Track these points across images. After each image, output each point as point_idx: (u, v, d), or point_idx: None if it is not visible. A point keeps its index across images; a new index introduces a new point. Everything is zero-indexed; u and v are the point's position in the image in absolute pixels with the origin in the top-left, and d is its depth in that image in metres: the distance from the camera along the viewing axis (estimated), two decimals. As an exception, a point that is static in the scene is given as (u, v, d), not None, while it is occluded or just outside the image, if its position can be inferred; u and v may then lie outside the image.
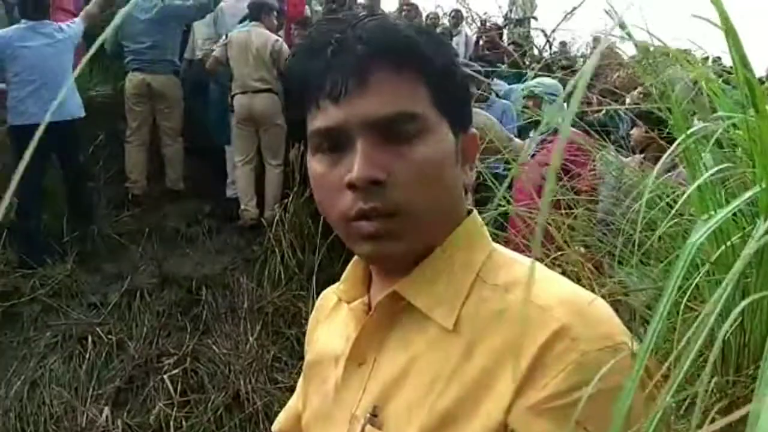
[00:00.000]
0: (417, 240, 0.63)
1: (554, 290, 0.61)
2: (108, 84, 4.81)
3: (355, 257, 0.73)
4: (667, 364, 0.55)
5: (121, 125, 4.69)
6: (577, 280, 1.16)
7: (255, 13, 4.53)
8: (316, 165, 0.65)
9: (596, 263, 1.19)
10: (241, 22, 4.69)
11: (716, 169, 0.68)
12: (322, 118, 0.62)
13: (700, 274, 0.70)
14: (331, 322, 0.78)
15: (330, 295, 0.81)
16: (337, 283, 0.76)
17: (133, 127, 4.62)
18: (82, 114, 4.04)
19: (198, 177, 4.98)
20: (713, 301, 0.47)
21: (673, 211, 0.69)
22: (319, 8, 5.87)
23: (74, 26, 4.13)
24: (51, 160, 4.11)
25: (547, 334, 0.56)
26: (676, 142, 0.74)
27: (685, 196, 0.67)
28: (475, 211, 0.70)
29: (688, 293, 0.74)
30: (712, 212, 0.56)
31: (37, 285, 3.82)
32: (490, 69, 4.65)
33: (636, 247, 0.83)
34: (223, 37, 4.51)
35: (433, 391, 0.60)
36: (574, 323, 0.57)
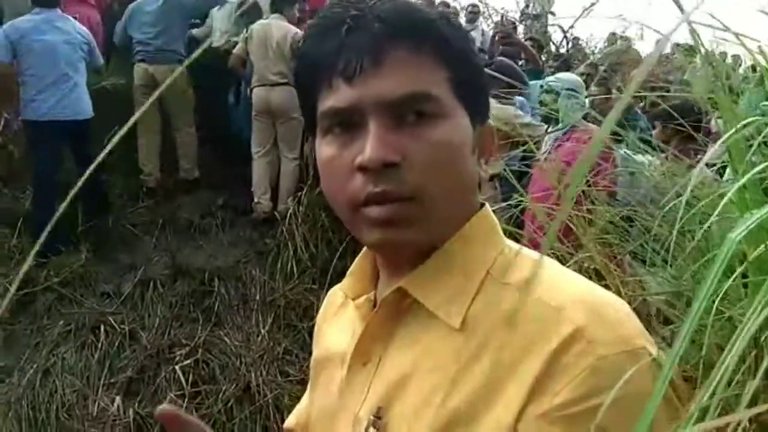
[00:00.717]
0: (430, 228, 0.60)
1: (569, 289, 0.57)
2: (122, 75, 4.82)
3: (362, 252, 0.70)
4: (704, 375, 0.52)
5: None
6: (597, 278, 1.13)
7: (278, 5, 4.51)
8: (325, 148, 0.61)
9: (617, 261, 1.15)
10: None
11: (763, 165, 0.64)
12: (334, 97, 0.59)
13: (735, 276, 0.66)
14: (339, 320, 0.74)
15: (338, 291, 0.77)
16: (343, 281, 0.73)
17: (144, 118, 4.61)
18: (91, 114, 4.05)
19: (212, 168, 4.98)
20: (757, 304, 0.44)
21: (718, 209, 0.65)
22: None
23: (96, 51, 4.16)
24: (65, 152, 4.12)
25: (561, 336, 0.52)
26: (726, 136, 0.70)
27: (733, 190, 0.64)
28: (487, 205, 0.66)
29: (719, 295, 0.70)
30: (754, 211, 0.53)
31: (51, 274, 3.84)
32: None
33: (664, 247, 0.80)
34: (245, 31, 4.50)
35: (439, 393, 0.57)
36: (589, 325, 0.53)
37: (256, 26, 4.42)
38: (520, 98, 4.29)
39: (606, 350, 0.52)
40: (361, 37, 0.58)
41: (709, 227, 0.77)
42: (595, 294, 0.57)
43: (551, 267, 0.62)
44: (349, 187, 0.59)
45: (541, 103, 3.09)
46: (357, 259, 0.71)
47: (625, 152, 1.52)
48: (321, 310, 0.81)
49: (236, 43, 4.96)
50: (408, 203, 0.57)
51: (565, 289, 0.57)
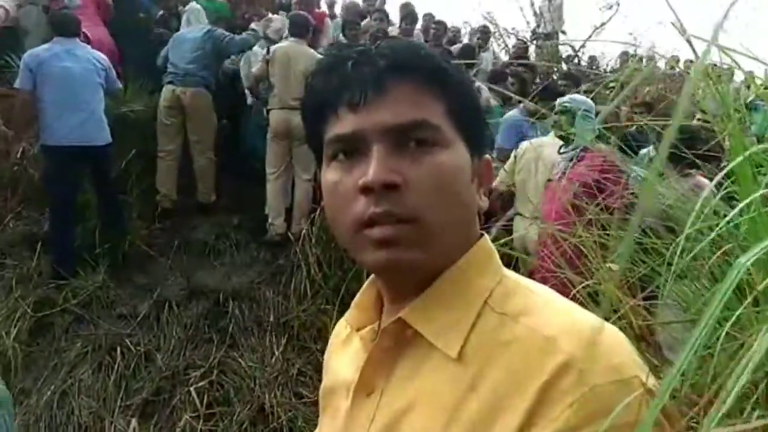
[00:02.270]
0: (430, 251, 0.61)
1: (563, 319, 0.58)
2: (141, 101, 4.92)
3: (367, 283, 0.72)
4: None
5: (153, 141, 4.78)
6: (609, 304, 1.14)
7: (299, 30, 4.58)
8: (330, 174, 0.64)
9: (629, 285, 1.16)
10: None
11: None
12: (340, 125, 0.62)
13: (745, 304, 0.67)
14: (345, 351, 0.75)
15: (344, 322, 0.78)
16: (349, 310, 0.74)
17: (164, 141, 4.70)
18: (109, 140, 4.12)
19: (226, 190, 5.04)
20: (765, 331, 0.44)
21: (721, 222, 0.66)
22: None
23: (109, 68, 4.22)
24: (83, 176, 4.20)
25: (552, 366, 0.53)
26: (733, 163, 0.71)
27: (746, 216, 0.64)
28: (486, 235, 0.68)
29: (729, 323, 0.71)
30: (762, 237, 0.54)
31: (69, 296, 3.89)
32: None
33: (677, 273, 0.81)
34: (264, 52, 4.56)
35: (438, 424, 0.58)
36: (581, 355, 0.54)
37: (279, 49, 4.48)
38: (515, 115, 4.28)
39: (597, 380, 0.52)
40: (366, 70, 0.62)
41: (722, 254, 0.77)
42: (590, 323, 0.58)
43: (548, 297, 0.63)
44: (353, 209, 0.61)
45: (554, 124, 3.10)
46: (362, 290, 0.73)
47: (637, 174, 1.53)
48: (330, 341, 0.82)
49: (235, 69, 5.08)
50: (408, 225, 0.59)
51: (559, 318, 0.58)
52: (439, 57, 0.65)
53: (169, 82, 4.67)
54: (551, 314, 0.59)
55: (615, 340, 0.57)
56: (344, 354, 0.75)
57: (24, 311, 3.70)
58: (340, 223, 0.63)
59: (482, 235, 0.68)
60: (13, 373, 3.46)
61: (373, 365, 0.66)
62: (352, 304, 0.73)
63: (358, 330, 0.70)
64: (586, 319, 0.59)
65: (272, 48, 4.52)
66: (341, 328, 0.80)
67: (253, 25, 5.26)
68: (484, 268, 0.65)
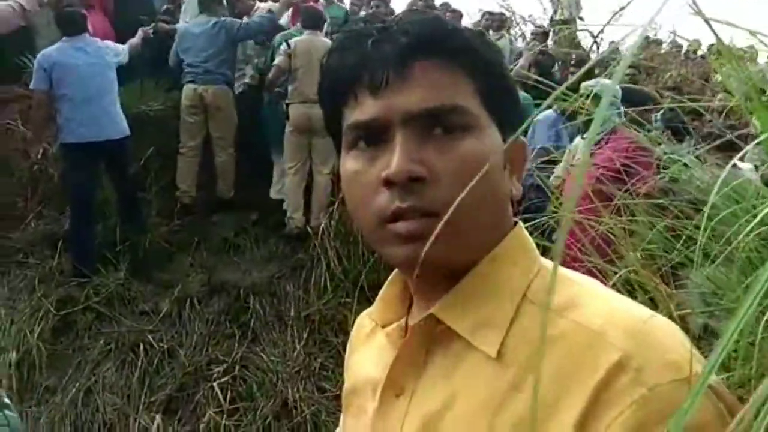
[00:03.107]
0: (460, 246, 0.56)
1: (611, 311, 0.53)
2: (158, 99, 4.93)
3: (392, 276, 0.67)
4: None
5: (171, 138, 4.79)
6: (642, 292, 1.09)
7: (313, 22, 4.55)
8: (350, 162, 0.59)
9: (662, 274, 1.10)
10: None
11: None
12: (360, 111, 0.58)
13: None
14: (368, 348, 0.70)
15: (366, 318, 0.73)
16: (372, 306, 0.70)
17: (187, 137, 4.72)
18: (127, 133, 4.13)
19: (245, 186, 5.04)
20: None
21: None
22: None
23: (119, 49, 4.25)
24: (102, 173, 4.22)
25: (606, 365, 0.49)
26: (756, 141, 0.66)
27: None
28: (520, 223, 0.63)
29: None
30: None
31: (90, 294, 3.91)
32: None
33: (711, 258, 0.76)
34: (284, 45, 4.54)
35: (479, 427, 0.53)
36: (635, 350, 0.49)
37: (300, 42, 4.44)
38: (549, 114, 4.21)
39: (656, 379, 0.48)
40: (386, 49, 0.57)
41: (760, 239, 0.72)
42: (639, 315, 0.53)
43: (590, 287, 0.58)
44: (375, 202, 0.57)
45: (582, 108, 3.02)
46: (387, 283, 0.68)
47: (669, 156, 1.47)
48: (350, 338, 0.77)
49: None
50: (435, 219, 0.54)
51: (608, 311, 0.53)
52: (468, 32, 0.60)
53: (190, 81, 4.65)
54: (597, 306, 0.54)
55: (669, 332, 0.52)
56: (368, 351, 0.70)
57: (47, 310, 3.74)
58: (362, 216, 0.59)
59: (516, 223, 0.63)
60: (38, 372, 3.50)
61: (402, 364, 0.61)
62: (378, 298, 0.68)
63: (384, 326, 0.66)
64: (635, 310, 0.54)
65: (292, 41, 4.48)
66: (363, 324, 0.75)
67: (269, 5, 5.15)
68: (521, 259, 0.60)
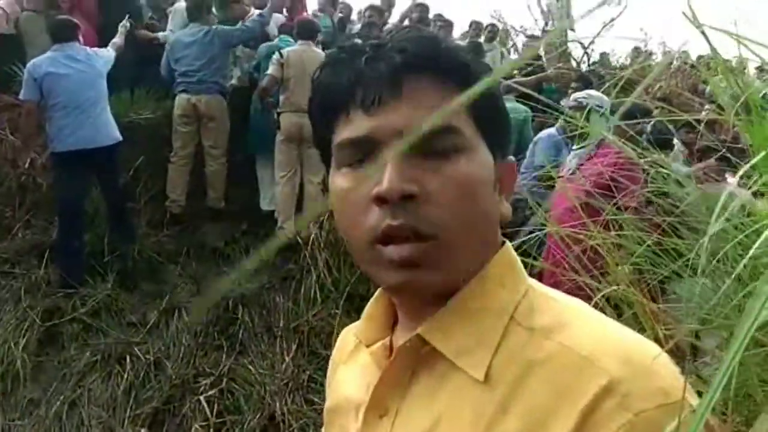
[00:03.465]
0: (451, 270, 0.56)
1: (599, 335, 0.53)
2: (148, 108, 4.91)
3: (377, 293, 0.66)
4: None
5: (161, 147, 4.76)
6: (627, 307, 1.07)
7: (307, 33, 4.57)
8: (340, 180, 0.59)
9: (649, 288, 1.09)
10: None
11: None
12: (352, 128, 0.57)
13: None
14: (351, 366, 0.70)
15: (350, 335, 0.72)
16: (356, 323, 0.68)
17: (178, 147, 4.70)
18: (119, 138, 4.09)
19: (235, 195, 5.01)
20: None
21: (761, 239, 0.60)
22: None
23: (106, 54, 4.21)
24: (92, 183, 4.19)
25: (593, 389, 0.48)
26: (760, 156, 0.65)
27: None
28: (508, 243, 0.63)
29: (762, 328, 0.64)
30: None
31: (77, 305, 3.87)
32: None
33: (700, 274, 0.74)
34: (276, 55, 4.54)
35: None
36: (624, 376, 0.49)
37: (293, 52, 4.46)
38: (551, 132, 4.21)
39: (643, 404, 0.47)
40: (380, 67, 0.56)
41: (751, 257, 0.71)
42: (627, 340, 0.53)
43: (577, 308, 0.57)
44: (366, 220, 0.56)
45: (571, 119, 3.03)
46: (371, 301, 0.67)
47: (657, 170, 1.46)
48: (333, 355, 0.76)
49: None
50: (428, 243, 0.54)
51: (594, 334, 0.53)
52: (462, 51, 0.59)
53: (183, 91, 4.64)
54: (585, 329, 0.53)
55: (658, 359, 0.52)
56: (351, 369, 0.69)
57: (32, 321, 3.69)
58: (352, 236, 0.58)
59: (504, 243, 0.62)
60: (22, 384, 3.45)
61: (387, 385, 0.60)
62: (363, 316, 0.67)
63: (368, 345, 0.64)
64: (623, 335, 0.54)
65: (285, 51, 4.49)
66: (347, 340, 0.74)
67: (261, 11, 5.13)
68: (507, 279, 0.59)
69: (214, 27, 4.74)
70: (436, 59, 0.57)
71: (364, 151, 0.57)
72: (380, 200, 0.54)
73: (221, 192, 4.84)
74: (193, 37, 4.66)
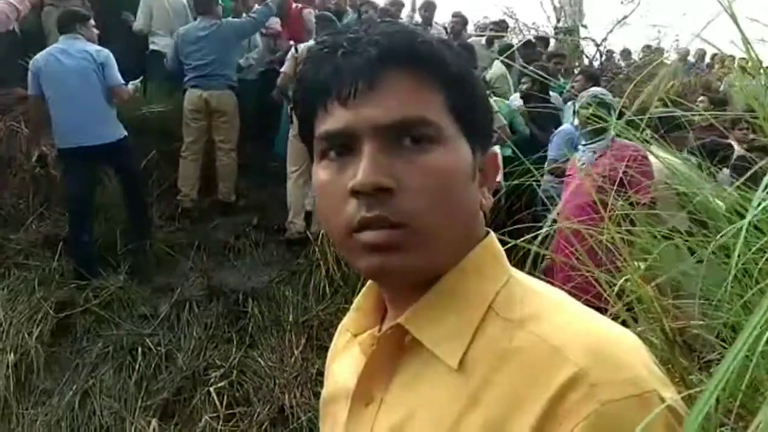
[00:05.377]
0: (426, 257, 0.57)
1: (574, 326, 0.53)
2: (160, 102, 4.93)
3: (368, 285, 0.68)
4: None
5: (173, 141, 4.79)
6: (638, 303, 1.08)
7: (327, 27, 4.61)
8: (321, 172, 0.60)
9: (659, 285, 1.10)
10: None
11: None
12: (330, 121, 0.58)
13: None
14: (346, 357, 0.71)
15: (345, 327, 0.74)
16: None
17: (189, 141, 4.71)
18: (121, 136, 4.05)
19: (246, 189, 5.04)
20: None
21: None
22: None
23: (111, 70, 4.01)
24: (98, 177, 4.21)
25: (560, 380, 0.49)
26: None
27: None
28: (492, 234, 0.63)
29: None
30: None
31: (90, 296, 3.91)
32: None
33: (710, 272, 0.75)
34: (292, 50, 4.55)
35: None
36: (592, 366, 0.49)
37: (306, 47, 4.46)
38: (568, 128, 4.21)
39: (611, 395, 0.48)
40: (356, 60, 0.57)
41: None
42: (602, 331, 0.54)
43: (557, 300, 0.58)
44: (343, 211, 0.57)
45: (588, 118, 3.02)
46: (362, 292, 0.69)
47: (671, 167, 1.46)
48: (332, 345, 0.78)
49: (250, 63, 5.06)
50: (402, 230, 0.55)
51: (568, 325, 0.54)
52: (438, 43, 0.60)
53: (194, 86, 4.65)
54: (560, 321, 0.54)
55: (630, 349, 0.52)
56: (345, 359, 0.71)
57: (46, 312, 3.73)
58: (332, 226, 0.59)
59: (488, 233, 0.63)
60: (35, 374, 3.49)
61: (371, 373, 0.62)
62: (352, 307, 0.69)
63: (356, 335, 0.66)
64: (599, 326, 0.55)
65: (300, 46, 4.51)
66: (342, 332, 0.75)
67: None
68: (487, 270, 0.60)
69: (225, 20, 4.75)
70: (411, 53, 0.57)
71: (342, 143, 0.58)
72: (356, 193, 0.55)
73: (232, 186, 4.87)
74: (205, 32, 4.66)
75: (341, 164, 0.58)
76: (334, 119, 0.58)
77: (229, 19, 4.84)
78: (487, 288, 0.58)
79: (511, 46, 6.44)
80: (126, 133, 4.10)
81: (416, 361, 0.59)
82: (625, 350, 0.52)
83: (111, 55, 4.03)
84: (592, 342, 0.51)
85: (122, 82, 4.09)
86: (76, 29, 4.03)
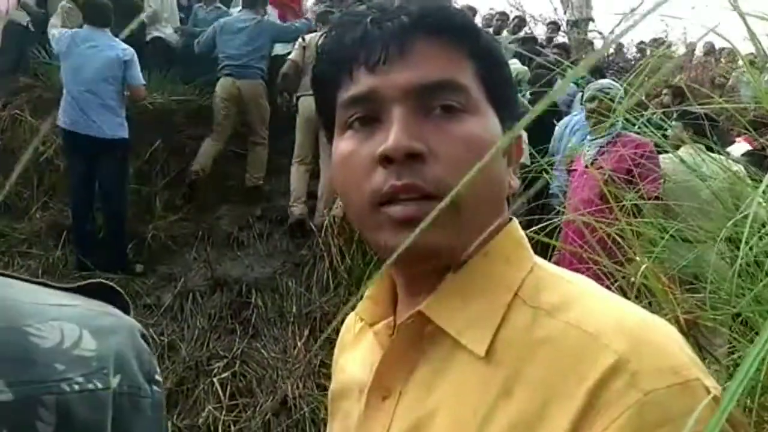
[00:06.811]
0: (460, 234, 0.53)
1: (607, 312, 0.50)
2: (164, 93, 4.94)
3: (380, 272, 0.63)
4: None
5: (178, 132, 4.79)
6: (649, 295, 1.06)
7: (323, 17, 4.77)
8: (342, 144, 0.56)
9: (669, 277, 1.08)
10: None
11: None
12: (355, 87, 0.55)
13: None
14: (357, 348, 0.67)
15: (355, 317, 0.69)
16: (359, 304, 0.66)
17: (217, 126, 4.79)
18: (121, 137, 4.01)
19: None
20: None
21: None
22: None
23: (133, 71, 4.05)
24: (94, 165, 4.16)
25: (601, 369, 0.46)
26: None
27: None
28: (515, 220, 0.60)
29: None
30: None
31: (93, 286, 3.90)
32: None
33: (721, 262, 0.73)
34: (300, 39, 4.58)
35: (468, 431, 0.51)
36: (633, 354, 0.46)
37: (312, 36, 4.49)
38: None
39: (653, 384, 0.45)
40: (386, 27, 0.54)
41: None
42: (637, 317, 0.50)
43: (585, 287, 0.55)
44: (369, 183, 0.53)
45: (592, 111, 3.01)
46: (374, 281, 0.66)
47: (680, 158, 1.44)
48: (339, 338, 0.74)
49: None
50: (434, 201, 0.51)
51: (603, 312, 0.50)
52: (469, 15, 0.58)
53: (228, 74, 4.76)
54: (591, 307, 0.51)
55: (667, 335, 0.49)
56: (356, 351, 0.67)
57: (50, 301, 3.73)
58: (353, 199, 0.55)
59: (511, 219, 0.60)
60: (39, 363, 3.49)
61: (390, 365, 0.57)
62: (365, 295, 0.64)
63: (371, 325, 0.62)
64: (631, 311, 0.51)
65: (307, 37, 4.56)
66: (352, 323, 0.71)
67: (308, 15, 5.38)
68: (513, 256, 0.57)
69: (265, 18, 4.94)
70: (443, 20, 0.55)
71: (368, 108, 0.55)
72: (385, 160, 0.52)
73: (262, 173, 4.94)
74: (245, 24, 4.80)
75: (366, 134, 0.55)
76: (360, 84, 0.55)
77: (270, 21, 5.03)
78: (513, 275, 0.55)
79: (520, 39, 6.41)
80: (128, 136, 4.06)
81: (439, 351, 0.55)
82: (664, 336, 0.49)
83: (135, 54, 4.08)
84: (628, 328, 0.48)
85: (143, 82, 4.16)
86: (109, 24, 4.03)
